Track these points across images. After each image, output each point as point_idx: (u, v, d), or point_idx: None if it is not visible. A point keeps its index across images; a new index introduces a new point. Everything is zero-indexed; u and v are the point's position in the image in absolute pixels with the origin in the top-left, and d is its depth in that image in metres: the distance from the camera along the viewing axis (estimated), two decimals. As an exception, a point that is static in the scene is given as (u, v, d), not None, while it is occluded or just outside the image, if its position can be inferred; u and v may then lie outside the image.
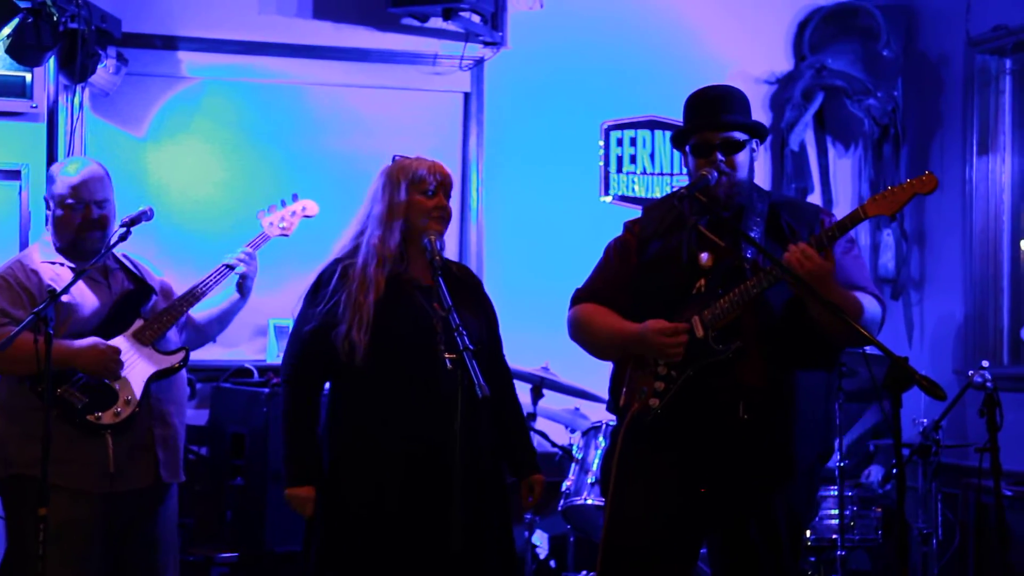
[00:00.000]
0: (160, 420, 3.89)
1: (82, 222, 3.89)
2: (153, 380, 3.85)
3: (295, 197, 4.31)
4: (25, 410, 3.73)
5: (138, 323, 3.89)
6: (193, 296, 3.97)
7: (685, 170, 3.53)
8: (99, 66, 5.02)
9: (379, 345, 3.46)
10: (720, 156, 3.35)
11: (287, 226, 4.26)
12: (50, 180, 3.98)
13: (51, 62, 5.05)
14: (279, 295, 5.18)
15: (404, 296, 3.52)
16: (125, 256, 4.06)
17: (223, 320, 4.19)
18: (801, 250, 3.13)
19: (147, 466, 3.85)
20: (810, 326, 3.24)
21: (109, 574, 3.89)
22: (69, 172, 3.94)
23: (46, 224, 3.99)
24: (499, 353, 3.76)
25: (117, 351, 3.78)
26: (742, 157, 3.38)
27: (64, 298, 3.77)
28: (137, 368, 3.83)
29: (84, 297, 3.86)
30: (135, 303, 3.93)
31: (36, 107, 5.15)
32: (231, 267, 4.05)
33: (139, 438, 3.83)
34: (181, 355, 3.93)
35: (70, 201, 3.88)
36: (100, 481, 3.75)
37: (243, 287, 4.12)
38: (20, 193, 5.21)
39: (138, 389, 3.81)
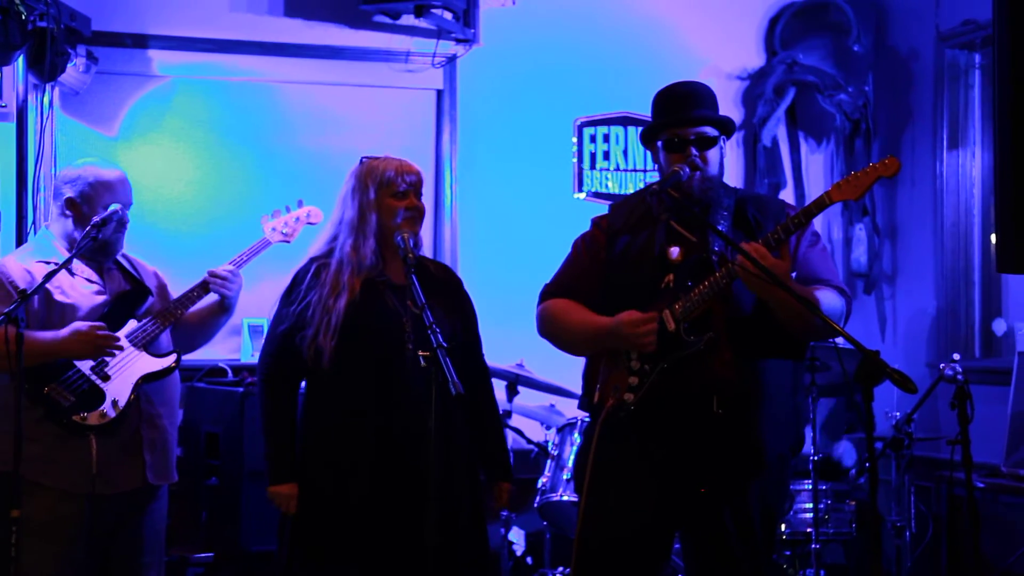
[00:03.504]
0: (149, 423, 3.85)
1: (117, 223, 3.86)
2: (144, 382, 3.82)
3: (300, 203, 4.23)
4: (14, 408, 3.68)
5: (132, 324, 3.87)
6: (178, 307, 3.93)
7: (655, 166, 3.53)
8: (69, 65, 4.98)
9: (346, 348, 3.46)
10: (694, 151, 3.35)
11: (289, 232, 4.19)
12: (86, 181, 3.86)
13: (20, 61, 5.01)
14: (253, 294, 5.14)
15: (376, 298, 3.52)
16: (123, 255, 4.03)
17: (205, 332, 4.14)
18: (755, 249, 3.14)
19: (134, 469, 3.82)
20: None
21: (95, 574, 3.87)
22: (105, 174, 3.89)
23: (55, 221, 3.91)
24: (478, 353, 3.76)
25: (101, 326, 3.73)
26: (713, 153, 3.39)
27: (58, 297, 3.77)
28: (128, 370, 3.81)
29: (79, 296, 3.84)
30: (131, 304, 3.90)
31: (5, 106, 5.12)
32: (210, 286, 3.96)
33: (126, 441, 3.80)
34: (173, 357, 3.89)
35: (112, 202, 3.84)
36: (84, 482, 3.73)
37: (224, 304, 4.04)
38: (-11, 192, 5.17)
39: (127, 391, 3.79)
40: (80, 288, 3.84)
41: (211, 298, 4.02)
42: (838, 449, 5.55)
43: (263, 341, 3.66)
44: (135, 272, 4.00)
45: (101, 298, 3.87)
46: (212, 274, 3.96)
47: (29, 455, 3.58)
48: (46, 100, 5.19)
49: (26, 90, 5.18)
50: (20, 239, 5.14)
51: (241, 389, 4.87)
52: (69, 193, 3.87)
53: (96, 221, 3.82)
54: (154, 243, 5.29)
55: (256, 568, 4.82)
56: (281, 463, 3.53)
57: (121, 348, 3.77)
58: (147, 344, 3.86)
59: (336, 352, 3.45)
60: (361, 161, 3.66)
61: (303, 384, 3.67)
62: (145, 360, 3.84)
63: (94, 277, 3.89)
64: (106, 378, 3.77)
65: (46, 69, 4.85)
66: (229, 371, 5.26)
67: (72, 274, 3.83)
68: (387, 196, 3.57)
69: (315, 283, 3.53)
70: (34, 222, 5.12)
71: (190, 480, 5.07)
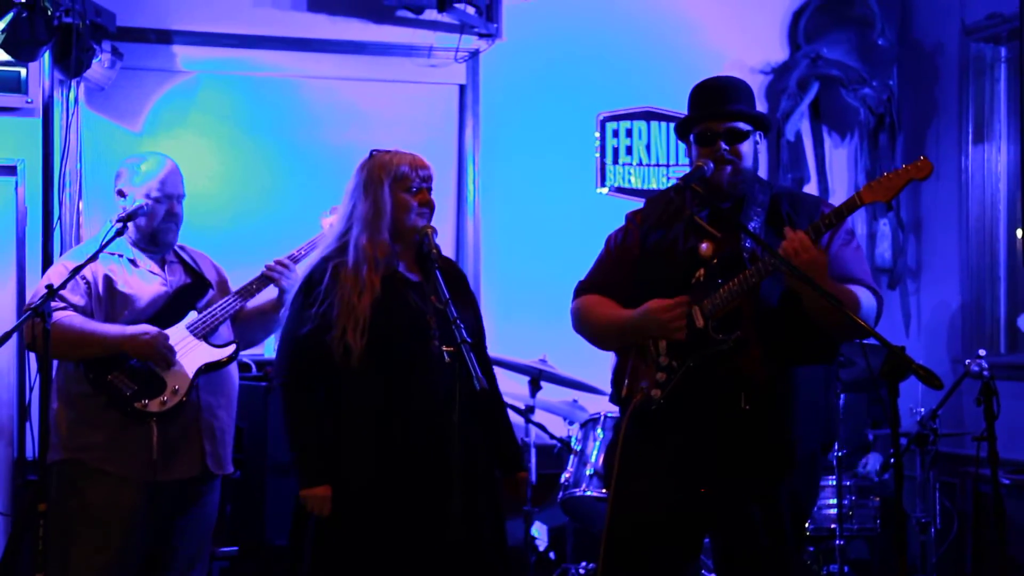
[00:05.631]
0: (208, 412, 3.94)
1: (165, 215, 3.97)
2: (202, 372, 3.90)
3: None
4: (79, 396, 3.82)
5: (192, 316, 3.95)
6: (238, 299, 4.01)
7: (688, 160, 3.52)
8: (94, 60, 5.01)
9: (374, 346, 3.45)
10: (723, 145, 3.34)
11: None
12: (132, 173, 3.99)
13: (46, 57, 5.04)
14: (274, 289, 5.20)
15: (397, 295, 3.51)
16: (184, 250, 4.13)
17: (265, 327, 4.21)
18: (799, 240, 3.12)
19: (193, 457, 3.90)
20: (807, 318, 3.25)
21: (146, 560, 3.94)
22: (152, 165, 4.00)
23: (117, 215, 3.99)
24: (484, 346, 3.76)
25: (166, 337, 3.84)
26: (745, 147, 3.36)
27: (121, 288, 3.89)
28: (187, 360, 3.89)
29: (140, 289, 3.93)
30: (191, 297, 3.99)
31: (31, 102, 5.16)
32: (270, 278, 4.04)
33: (185, 429, 3.88)
34: (231, 349, 3.97)
35: (156, 195, 3.95)
36: (144, 469, 3.81)
37: (282, 300, 4.08)
38: (16, 188, 5.21)
39: (186, 380, 3.87)
40: (141, 280, 3.95)
41: (269, 293, 4.08)
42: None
43: (280, 345, 3.62)
44: (196, 266, 4.10)
45: (162, 290, 3.96)
46: (270, 267, 4.04)
47: (92, 442, 3.78)
48: (72, 96, 5.22)
49: (52, 86, 5.21)
50: (47, 233, 5.17)
51: (264, 384, 4.89)
52: (119, 185, 4.02)
53: (122, 215, 3.90)
54: (180, 238, 5.32)
55: (281, 561, 4.82)
56: (313, 465, 3.48)
57: (171, 365, 3.84)
58: (207, 335, 3.94)
59: (365, 351, 3.44)
60: (371, 154, 3.62)
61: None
62: (205, 350, 3.92)
63: (156, 270, 4.01)
64: (167, 365, 3.85)
65: (72, 65, 4.88)
66: (253, 366, 5.27)
67: (135, 266, 3.95)
68: (401, 191, 3.54)
69: (334, 283, 3.49)
70: (60, 217, 5.15)
71: (214, 474, 5.11)
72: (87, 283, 3.87)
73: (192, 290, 4.01)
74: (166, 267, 4.03)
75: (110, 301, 3.88)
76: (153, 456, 3.79)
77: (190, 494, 3.95)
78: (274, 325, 4.20)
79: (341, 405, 3.51)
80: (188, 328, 3.92)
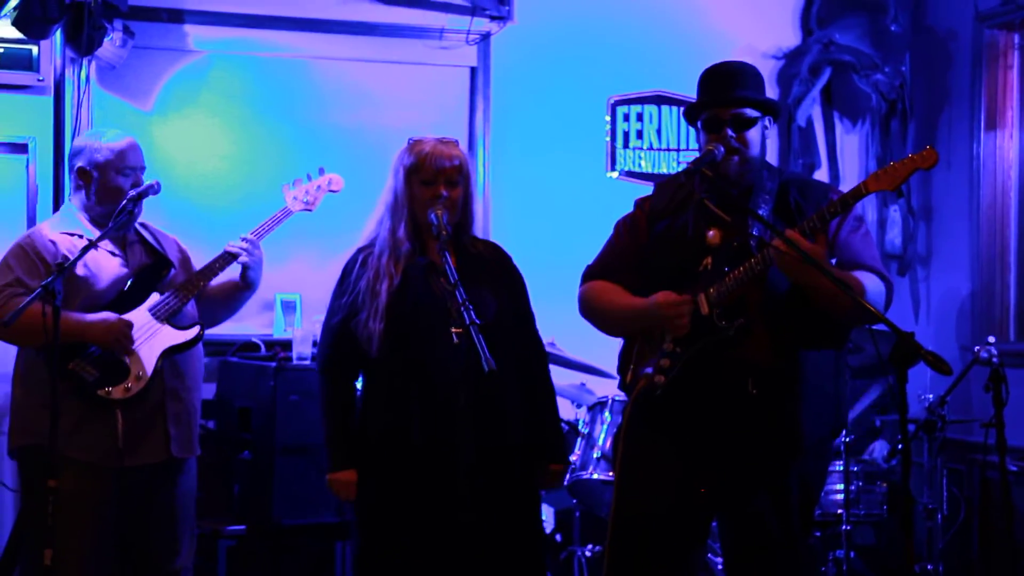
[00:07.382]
0: (173, 396, 3.88)
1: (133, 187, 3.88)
2: (167, 355, 3.84)
3: (321, 171, 4.22)
4: (42, 381, 3.72)
5: (154, 297, 3.88)
6: (200, 279, 3.95)
7: (696, 146, 3.51)
8: (105, 39, 5.00)
9: (393, 332, 3.47)
10: (731, 132, 3.33)
11: (311, 200, 4.17)
12: (94, 149, 3.89)
13: (58, 35, 5.04)
14: (285, 270, 5.22)
15: (420, 282, 3.52)
16: (145, 228, 4.04)
17: (229, 306, 4.15)
18: (791, 237, 3.11)
19: (158, 442, 3.85)
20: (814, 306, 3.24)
21: (124, 546, 3.91)
22: (113, 139, 3.91)
23: (74, 194, 3.95)
24: (530, 328, 3.73)
25: (129, 325, 3.77)
26: (753, 134, 3.35)
27: (79, 271, 3.78)
28: (150, 343, 3.82)
29: (100, 270, 3.85)
30: (152, 277, 3.91)
31: (43, 80, 5.15)
32: (233, 255, 3.99)
33: (150, 414, 3.83)
34: (196, 330, 3.90)
35: (122, 166, 3.87)
36: (111, 456, 3.77)
37: (246, 277, 4.04)
38: (27, 166, 5.21)
39: (150, 365, 3.81)
40: (101, 261, 3.86)
41: (233, 272, 4.03)
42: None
43: (320, 334, 3.65)
44: (157, 244, 4.01)
45: (123, 271, 3.89)
46: (232, 244, 3.99)
47: (58, 429, 3.61)
48: (83, 74, 5.21)
49: (63, 64, 5.21)
50: (57, 211, 5.18)
51: (274, 364, 4.90)
52: (80, 163, 3.90)
53: (132, 195, 3.85)
54: (189, 218, 5.33)
55: (289, 541, 4.86)
56: (340, 450, 3.52)
57: (131, 353, 3.78)
58: (170, 317, 3.87)
59: (384, 336, 3.46)
60: (408, 142, 3.60)
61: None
62: (168, 333, 3.85)
63: (116, 250, 3.91)
64: (128, 352, 3.79)
65: (83, 43, 4.87)
66: (262, 346, 5.29)
67: (94, 247, 3.80)
68: (416, 183, 3.52)
69: (363, 271, 3.54)
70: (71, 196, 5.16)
71: (223, 454, 5.12)
72: (46, 265, 3.76)
73: (153, 270, 3.92)
74: (127, 247, 3.94)
75: (68, 284, 3.70)
76: (119, 443, 3.75)
77: (162, 479, 3.90)
78: (238, 303, 4.14)
79: (369, 390, 3.54)
80: (150, 311, 3.84)
